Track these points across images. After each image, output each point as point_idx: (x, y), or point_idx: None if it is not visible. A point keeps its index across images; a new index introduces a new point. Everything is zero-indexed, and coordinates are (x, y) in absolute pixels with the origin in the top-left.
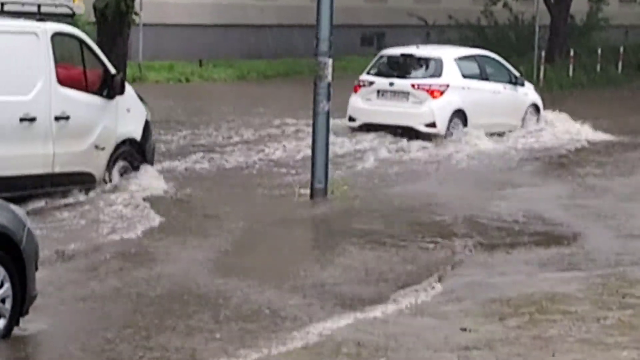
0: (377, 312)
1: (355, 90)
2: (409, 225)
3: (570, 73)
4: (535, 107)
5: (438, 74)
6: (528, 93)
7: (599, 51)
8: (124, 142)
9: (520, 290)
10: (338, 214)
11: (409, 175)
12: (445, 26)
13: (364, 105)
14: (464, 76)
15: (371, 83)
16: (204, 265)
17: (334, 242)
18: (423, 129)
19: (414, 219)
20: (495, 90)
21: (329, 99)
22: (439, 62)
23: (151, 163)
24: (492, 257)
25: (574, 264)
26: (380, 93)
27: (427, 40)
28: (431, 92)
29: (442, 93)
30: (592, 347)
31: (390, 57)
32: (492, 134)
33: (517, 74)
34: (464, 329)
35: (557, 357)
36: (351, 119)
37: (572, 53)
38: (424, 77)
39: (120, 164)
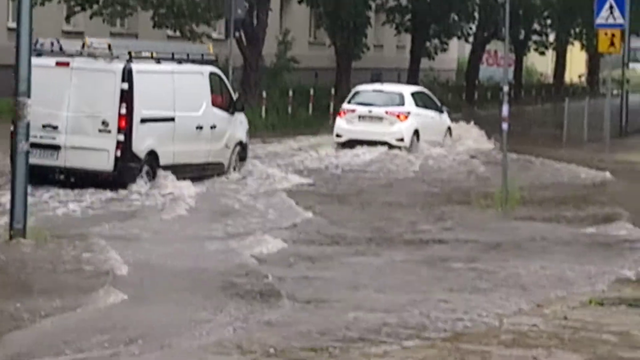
0: None
1: (340, 115)
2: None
3: (263, 114)
4: (449, 129)
5: (402, 103)
6: (446, 119)
7: (290, 93)
8: (238, 143)
9: None
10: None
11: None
12: None
13: (348, 126)
14: (417, 105)
15: (353, 110)
16: None
17: None
18: (395, 142)
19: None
20: (432, 116)
21: (27, 139)
22: (402, 95)
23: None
24: None
25: None
26: (360, 117)
27: None
28: (399, 117)
29: (406, 117)
30: None
31: (364, 91)
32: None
33: (439, 104)
34: None
35: None
36: (338, 136)
37: (264, 95)
38: (392, 105)
39: (235, 157)
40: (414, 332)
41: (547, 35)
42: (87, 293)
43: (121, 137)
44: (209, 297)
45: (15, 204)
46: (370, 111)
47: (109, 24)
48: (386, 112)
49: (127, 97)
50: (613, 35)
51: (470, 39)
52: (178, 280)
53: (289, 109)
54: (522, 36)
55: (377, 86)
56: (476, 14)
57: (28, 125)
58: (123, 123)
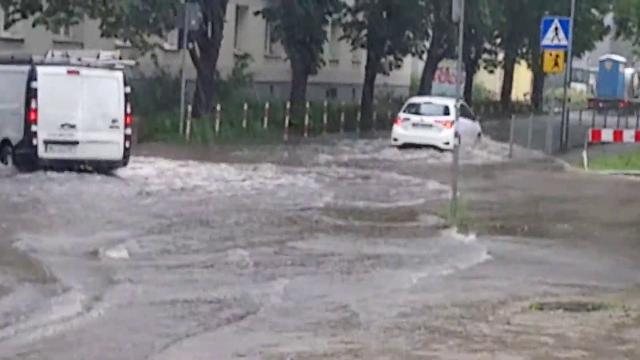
0: None
1: (397, 123)
2: None
3: (217, 127)
4: (479, 134)
5: (447, 113)
6: (478, 126)
7: (245, 107)
8: None
9: None
10: None
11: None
12: None
13: (404, 132)
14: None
15: (407, 119)
16: None
17: None
18: (442, 146)
19: None
20: (468, 124)
21: None
22: (447, 107)
23: None
24: None
25: None
26: (414, 124)
27: None
28: (445, 124)
29: (451, 125)
30: None
31: (416, 103)
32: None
33: (473, 114)
34: None
35: None
36: (395, 140)
37: (218, 108)
38: (439, 115)
39: None
40: (367, 340)
41: (496, 54)
42: None
43: (128, 131)
44: None
45: None
46: (422, 120)
47: (52, 32)
48: (435, 121)
49: (129, 98)
50: (557, 55)
51: (424, 56)
52: None
53: (244, 123)
54: (472, 55)
55: (427, 99)
56: (430, 32)
57: None
58: (128, 120)
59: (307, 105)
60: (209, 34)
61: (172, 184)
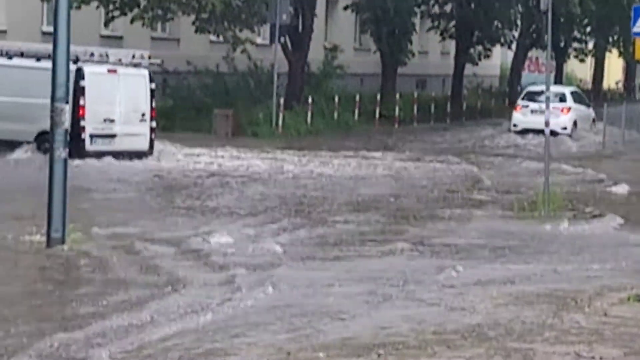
0: None
1: (516, 110)
2: None
3: (309, 120)
4: (594, 120)
5: (564, 100)
6: (592, 112)
7: (336, 98)
8: None
9: None
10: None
11: None
12: (184, 72)
13: (523, 118)
14: (574, 102)
15: (526, 106)
16: None
17: None
18: (560, 131)
19: None
20: (584, 110)
21: (66, 146)
22: (564, 94)
23: None
24: None
25: None
26: (532, 111)
27: (165, 84)
28: (562, 111)
29: (568, 111)
30: None
31: (534, 91)
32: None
33: (587, 101)
34: None
35: None
36: (515, 126)
37: (310, 100)
38: (556, 102)
39: None
40: (461, 331)
41: (586, 42)
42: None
43: (154, 124)
44: None
45: (53, 213)
46: (540, 107)
47: (149, 29)
48: (553, 107)
49: (154, 93)
50: None
51: (513, 45)
52: None
53: (335, 115)
54: (562, 43)
55: (543, 87)
56: (518, 22)
57: (66, 132)
58: (154, 113)
59: (398, 96)
60: (300, 28)
61: (296, 175)
